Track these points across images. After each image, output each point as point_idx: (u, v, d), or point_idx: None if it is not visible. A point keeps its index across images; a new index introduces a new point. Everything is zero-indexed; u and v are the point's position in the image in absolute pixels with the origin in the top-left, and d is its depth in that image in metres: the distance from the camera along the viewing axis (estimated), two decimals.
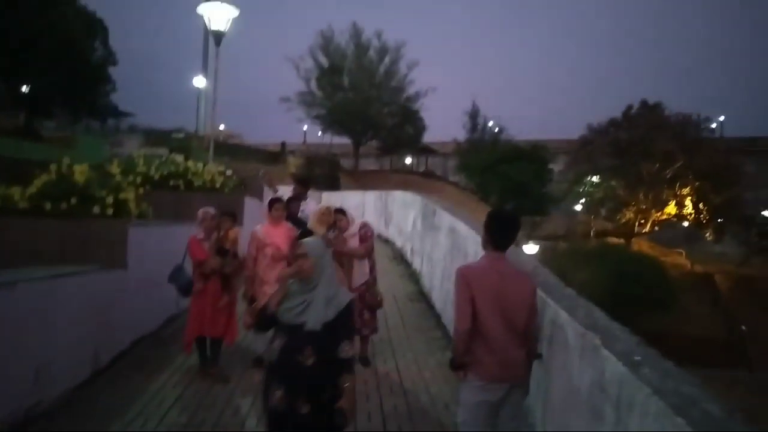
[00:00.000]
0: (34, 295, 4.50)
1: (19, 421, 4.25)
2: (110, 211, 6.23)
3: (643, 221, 40.72)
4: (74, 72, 27.50)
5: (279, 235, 5.73)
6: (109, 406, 4.80)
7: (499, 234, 3.29)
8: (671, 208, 40.25)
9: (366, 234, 5.88)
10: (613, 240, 38.33)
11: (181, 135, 40.63)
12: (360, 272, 5.81)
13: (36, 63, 26.47)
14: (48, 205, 5.98)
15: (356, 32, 51.50)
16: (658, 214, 40.54)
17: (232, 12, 11.06)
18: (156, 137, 36.46)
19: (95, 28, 29.74)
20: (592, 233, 40.96)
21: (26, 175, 6.56)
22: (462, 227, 6.48)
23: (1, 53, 26.80)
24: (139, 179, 9.35)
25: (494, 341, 3.08)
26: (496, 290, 3.12)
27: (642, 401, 2.05)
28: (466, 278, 3.18)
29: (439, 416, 4.71)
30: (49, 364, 4.63)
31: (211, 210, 5.63)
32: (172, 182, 10.23)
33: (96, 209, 6.11)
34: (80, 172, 6.22)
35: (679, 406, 1.86)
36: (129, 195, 6.64)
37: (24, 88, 28.21)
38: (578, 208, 46.57)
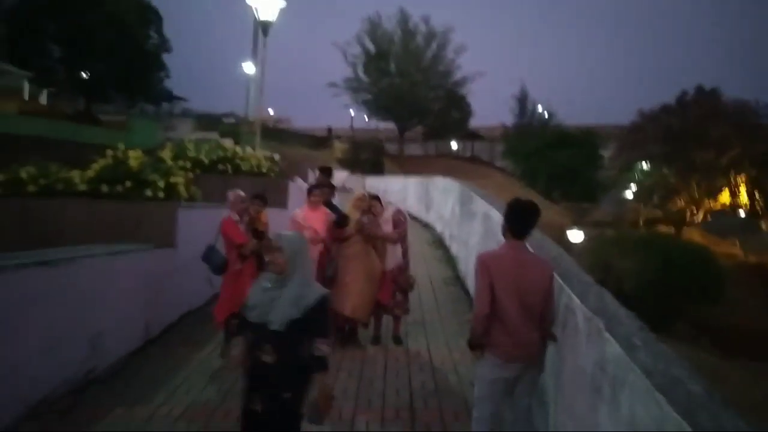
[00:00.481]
0: (93, 270, 4.93)
1: (79, 384, 4.69)
2: (161, 194, 6.65)
3: (695, 210, 39.52)
4: (130, 59, 28.61)
5: (317, 219, 6.03)
6: (157, 373, 5.21)
7: (518, 223, 3.44)
8: (725, 197, 38.92)
9: (399, 220, 6.11)
10: (663, 229, 37.33)
11: (231, 120, 41.68)
12: (393, 256, 6.05)
13: (94, 50, 27.66)
14: (105, 188, 6.44)
15: (403, 18, 51.44)
16: (711, 203, 39.26)
17: (280, 2, 11.34)
18: (207, 122, 37.58)
19: (150, 16, 30.77)
20: (641, 221, 39.99)
21: (85, 158, 7.05)
22: (495, 214, 6.60)
23: (62, 42, 28.15)
24: (189, 164, 9.81)
25: (511, 324, 3.25)
26: (514, 276, 3.28)
27: (632, 380, 2.21)
28: (486, 265, 3.35)
29: (465, 394, 4.90)
30: (105, 334, 5.06)
31: (241, 193, 5.85)
32: (220, 166, 10.69)
33: (149, 192, 6.53)
34: (135, 157, 6.65)
35: (664, 385, 2.02)
36: (179, 179, 7.04)
37: (83, 75, 29.51)
38: (628, 195, 45.53)
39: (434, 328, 6.94)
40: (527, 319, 3.27)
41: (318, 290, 3.02)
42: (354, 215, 5.91)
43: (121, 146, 6.85)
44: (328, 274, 5.95)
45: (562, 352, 3.28)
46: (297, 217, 6.14)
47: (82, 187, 6.47)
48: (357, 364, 5.62)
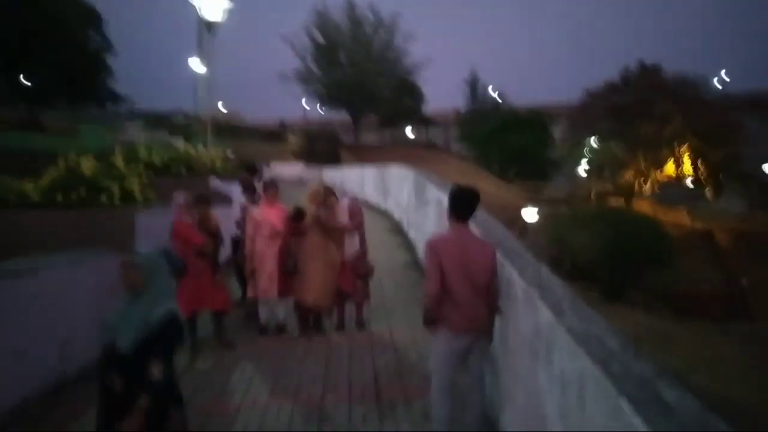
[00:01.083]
0: (56, 279, 5.01)
1: (51, 388, 4.79)
2: (117, 200, 6.71)
3: (643, 182, 41.02)
4: (72, 62, 27.79)
5: (274, 215, 6.21)
6: None
7: (460, 208, 3.74)
8: (670, 169, 40.52)
9: (354, 210, 6.35)
10: (614, 202, 38.67)
11: (180, 118, 40.94)
12: (350, 245, 6.32)
13: (34, 55, 26.77)
14: (59, 197, 6.47)
15: (350, 7, 51.23)
16: (658, 174, 40.83)
17: (225, 3, 11.31)
18: (155, 121, 36.83)
19: (90, 17, 29.89)
20: (592, 196, 41.29)
21: (34, 166, 7.04)
22: (446, 200, 6.91)
23: (0, 47, 27.13)
24: (141, 167, 9.79)
25: (460, 300, 3.54)
26: (461, 257, 3.58)
27: (559, 339, 2.52)
28: (434, 248, 3.64)
29: (426, 371, 5.20)
30: (74, 340, 5.15)
31: (185, 194, 5.96)
32: (173, 168, 10.67)
33: (104, 199, 6.59)
34: (88, 166, 6.68)
35: (584, 341, 2.32)
36: (133, 184, 7.10)
37: (23, 81, 28.53)
38: (580, 172, 46.84)
39: (396, 311, 7.22)
40: (475, 295, 3.57)
41: (168, 306, 2.86)
42: (310, 209, 6.12)
43: (72, 154, 6.86)
44: (288, 268, 6.16)
45: (506, 321, 3.60)
46: (254, 214, 6.30)
47: (36, 198, 6.48)
48: (323, 351, 5.86)
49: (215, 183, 11.06)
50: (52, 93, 29.42)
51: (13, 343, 4.37)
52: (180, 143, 14.25)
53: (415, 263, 9.84)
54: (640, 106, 37.89)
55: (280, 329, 6.40)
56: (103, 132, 28.79)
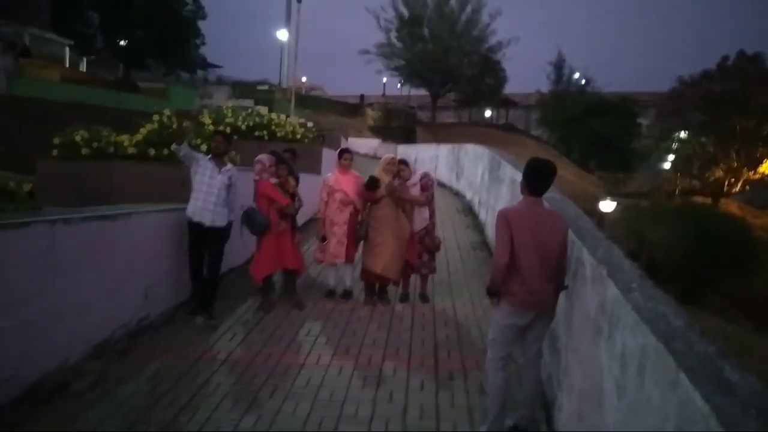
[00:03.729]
0: (145, 225, 5.39)
1: (132, 331, 5.19)
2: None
3: (733, 180, 38.56)
4: (167, 26, 29.08)
5: (347, 182, 6.38)
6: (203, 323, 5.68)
7: (535, 181, 3.71)
8: (765, 167, 37.81)
9: (426, 183, 6.41)
10: (700, 200, 36.64)
11: (265, 87, 42.07)
12: (420, 218, 6.38)
13: (132, 19, 28.19)
14: (152, 151, 6.88)
15: None
16: (751, 173, 38.22)
17: None
18: (242, 89, 38.00)
19: None
20: (677, 192, 39.27)
21: (127, 123, 7.49)
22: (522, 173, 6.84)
23: (100, 10, 28.75)
24: (228, 129, 10.22)
25: (527, 274, 3.54)
26: (533, 230, 3.56)
27: (624, 316, 2.50)
28: (506, 218, 3.63)
29: (486, 346, 5.24)
30: (157, 285, 5.54)
31: (270, 157, 6.24)
32: (257, 133, 11.07)
33: None
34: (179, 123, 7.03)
35: (650, 319, 2.31)
36: None
37: (121, 43, 30.16)
38: (666, 165, 44.63)
39: (460, 288, 7.28)
40: (543, 270, 3.54)
41: None
42: (384, 179, 6.23)
43: (167, 111, 7.25)
44: (359, 235, 6.33)
45: (572, 300, 3.58)
46: (328, 180, 6.50)
47: (131, 150, 6.92)
48: (386, 318, 6.01)
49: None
50: (146, 55, 30.94)
51: (104, 281, 4.75)
52: (264, 111, 14.70)
53: (483, 243, 9.82)
54: (738, 98, 35.41)
55: (347, 294, 6.60)
56: (193, 95, 30.08)
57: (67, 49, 32.54)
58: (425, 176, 6.51)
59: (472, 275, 7.87)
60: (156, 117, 7.11)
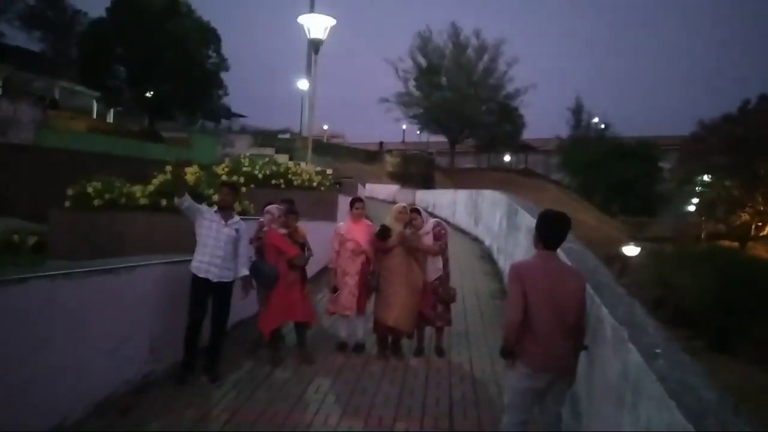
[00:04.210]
0: (150, 277, 5.28)
1: (137, 386, 5.01)
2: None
3: (760, 224, 37.67)
4: (192, 78, 29.87)
5: (359, 232, 6.24)
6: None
7: (549, 234, 3.53)
8: None
9: (440, 232, 6.24)
10: (726, 244, 35.77)
11: (287, 136, 42.82)
12: (433, 268, 6.19)
13: (158, 71, 29.05)
14: (164, 202, 6.85)
15: (455, 32, 51.79)
16: None
17: (329, 21, 11.76)
18: (264, 138, 38.69)
19: (209, 37, 32.06)
20: (702, 236, 38.45)
21: (148, 173, 7.51)
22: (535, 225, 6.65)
23: (129, 63, 29.73)
24: (242, 179, 10.25)
25: (542, 333, 3.32)
26: (548, 286, 3.35)
27: (649, 387, 2.28)
28: (518, 274, 3.43)
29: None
30: (163, 339, 5.39)
31: (279, 207, 6.16)
32: (273, 181, 11.11)
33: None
34: (191, 173, 7.04)
35: (677, 391, 2.08)
36: None
37: (148, 94, 31.00)
38: (690, 209, 43.91)
39: (478, 340, 7.00)
40: (560, 329, 3.32)
41: None
42: (396, 227, 6.08)
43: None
44: (371, 285, 6.14)
45: (593, 362, 3.34)
46: (340, 229, 6.37)
47: (143, 201, 6.90)
48: (399, 373, 5.76)
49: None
50: (171, 106, 31.73)
51: (107, 336, 4.62)
52: (284, 159, 14.83)
53: (502, 292, 9.54)
54: (761, 141, 34.98)
55: (359, 347, 6.37)
56: (214, 144, 30.64)
57: (95, 101, 33.59)
58: (438, 225, 6.35)
59: (490, 326, 7.60)
60: (168, 167, 7.11)
